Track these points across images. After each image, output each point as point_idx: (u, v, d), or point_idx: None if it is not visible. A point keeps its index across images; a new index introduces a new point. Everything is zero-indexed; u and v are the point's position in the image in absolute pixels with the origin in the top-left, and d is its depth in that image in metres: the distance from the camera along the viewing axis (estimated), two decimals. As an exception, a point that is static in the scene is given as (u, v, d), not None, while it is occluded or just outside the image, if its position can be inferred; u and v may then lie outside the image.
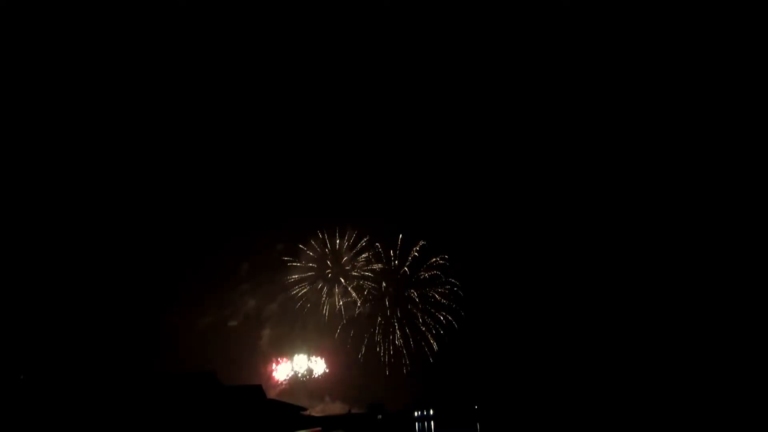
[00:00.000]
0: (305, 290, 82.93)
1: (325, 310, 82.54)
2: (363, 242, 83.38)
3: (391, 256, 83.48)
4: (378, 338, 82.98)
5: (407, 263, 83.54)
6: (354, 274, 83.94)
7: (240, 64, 79.25)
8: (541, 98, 79.18)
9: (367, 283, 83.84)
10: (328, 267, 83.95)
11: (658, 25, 71.91)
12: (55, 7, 67.87)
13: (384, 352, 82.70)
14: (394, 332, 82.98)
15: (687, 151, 72.49)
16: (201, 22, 74.79)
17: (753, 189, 68.48)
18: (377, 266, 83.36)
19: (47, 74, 70.97)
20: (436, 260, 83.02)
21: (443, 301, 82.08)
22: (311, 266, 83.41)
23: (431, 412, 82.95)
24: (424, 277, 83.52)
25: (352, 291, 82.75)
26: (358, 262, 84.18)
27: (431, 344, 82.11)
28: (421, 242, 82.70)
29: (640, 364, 71.90)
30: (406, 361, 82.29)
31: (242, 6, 75.38)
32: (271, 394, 74.51)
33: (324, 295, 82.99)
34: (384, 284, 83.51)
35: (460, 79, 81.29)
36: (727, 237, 69.43)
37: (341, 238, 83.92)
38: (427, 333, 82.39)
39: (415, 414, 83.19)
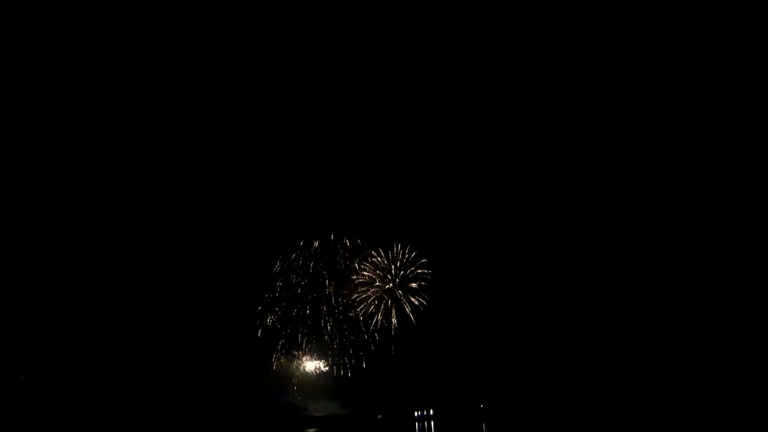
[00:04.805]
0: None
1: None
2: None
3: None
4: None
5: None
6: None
7: (240, 65, 79.31)
8: (540, 99, 79.09)
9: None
10: None
11: (657, 25, 71.86)
12: (54, 7, 68.06)
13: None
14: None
15: (687, 151, 72.48)
16: (200, 22, 74.92)
17: (753, 189, 68.45)
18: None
19: (46, 74, 71.18)
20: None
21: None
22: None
23: (431, 412, 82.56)
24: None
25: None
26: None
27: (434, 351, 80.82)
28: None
29: (644, 364, 71.79)
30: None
31: (243, 7, 75.49)
32: (271, 394, 74.47)
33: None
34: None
35: (458, 80, 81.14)
36: (727, 237, 69.41)
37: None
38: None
39: (416, 414, 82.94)
